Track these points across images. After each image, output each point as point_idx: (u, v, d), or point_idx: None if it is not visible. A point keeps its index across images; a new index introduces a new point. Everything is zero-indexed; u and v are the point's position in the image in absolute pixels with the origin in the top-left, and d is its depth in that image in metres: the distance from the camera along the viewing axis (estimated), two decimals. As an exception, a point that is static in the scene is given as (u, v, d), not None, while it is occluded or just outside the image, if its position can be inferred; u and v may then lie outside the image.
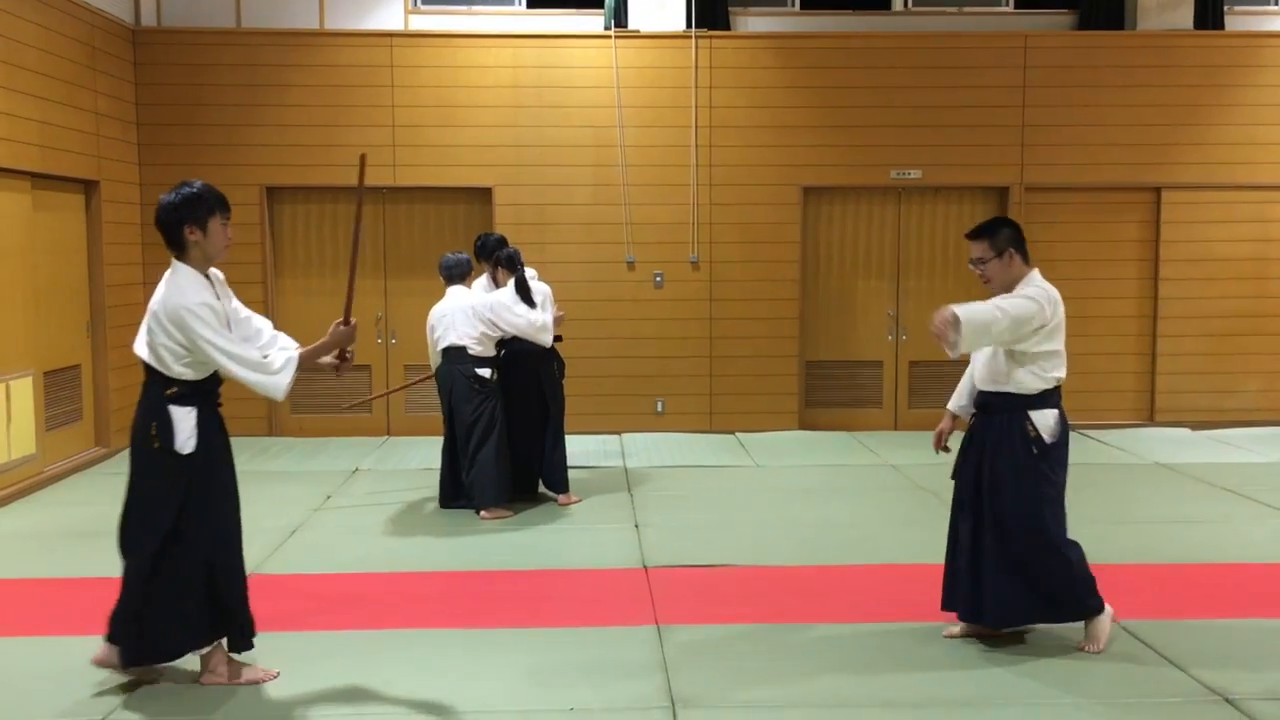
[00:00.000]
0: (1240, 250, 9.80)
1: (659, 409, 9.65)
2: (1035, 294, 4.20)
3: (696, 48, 9.47)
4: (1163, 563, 5.69)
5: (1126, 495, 7.27)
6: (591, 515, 6.72)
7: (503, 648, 4.47)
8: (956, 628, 4.54)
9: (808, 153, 9.58)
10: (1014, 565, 4.29)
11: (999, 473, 4.29)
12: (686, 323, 9.62)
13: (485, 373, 6.67)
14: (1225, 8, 9.94)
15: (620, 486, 7.52)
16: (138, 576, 3.93)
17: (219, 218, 3.95)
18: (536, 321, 6.68)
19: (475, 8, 9.73)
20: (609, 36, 9.44)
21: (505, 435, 6.71)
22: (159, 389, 3.90)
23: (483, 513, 6.61)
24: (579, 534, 6.32)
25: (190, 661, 4.13)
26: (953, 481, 4.52)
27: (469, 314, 6.65)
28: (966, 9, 10.01)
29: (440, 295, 6.92)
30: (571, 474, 7.15)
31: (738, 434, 9.55)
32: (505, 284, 6.79)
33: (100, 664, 4.04)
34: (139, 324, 3.99)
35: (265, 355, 3.96)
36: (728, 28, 9.67)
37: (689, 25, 9.49)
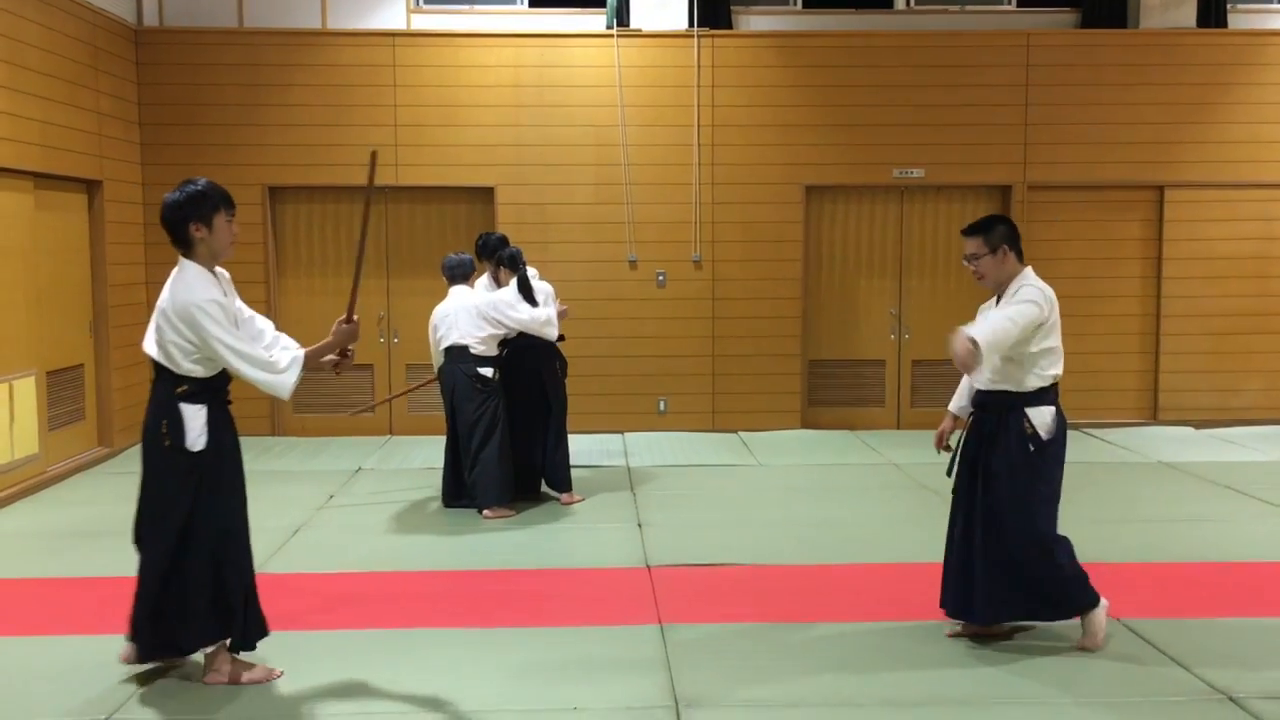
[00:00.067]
0: (1243, 249, 9.79)
1: (661, 408, 9.65)
2: (1034, 296, 4.22)
3: (698, 47, 9.47)
4: (1166, 561, 5.69)
5: (1129, 494, 7.27)
6: (594, 514, 6.72)
7: (505, 647, 4.47)
8: (958, 626, 4.54)
9: (810, 151, 9.58)
10: (1005, 563, 4.30)
11: (994, 470, 4.29)
12: (689, 322, 9.62)
13: (488, 372, 6.67)
14: (1228, 5, 9.92)
15: (623, 486, 7.52)
16: (153, 573, 3.95)
17: (224, 214, 3.96)
18: (540, 317, 6.69)
19: (477, 7, 9.73)
20: (611, 35, 9.44)
21: (508, 434, 6.71)
22: (169, 387, 3.91)
23: (485, 512, 6.61)
24: (581, 533, 6.32)
25: (193, 660, 4.14)
26: (948, 478, 4.53)
27: (472, 314, 6.66)
28: (969, 8, 10.00)
29: (442, 295, 6.93)
30: (574, 473, 7.15)
31: (740, 433, 9.55)
32: (507, 284, 6.79)
33: (127, 661, 4.08)
34: (142, 323, 4.01)
35: (270, 355, 3.97)
36: (730, 27, 9.67)
37: (691, 24, 9.49)
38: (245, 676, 4.08)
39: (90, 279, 8.45)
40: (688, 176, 9.54)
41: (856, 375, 9.96)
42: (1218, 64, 9.66)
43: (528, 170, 9.46)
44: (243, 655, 4.14)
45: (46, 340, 7.74)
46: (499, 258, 6.86)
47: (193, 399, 3.90)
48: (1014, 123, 9.63)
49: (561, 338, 6.95)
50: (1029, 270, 4.36)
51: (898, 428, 9.89)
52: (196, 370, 3.90)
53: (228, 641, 4.06)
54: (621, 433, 9.53)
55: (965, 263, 4.43)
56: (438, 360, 6.86)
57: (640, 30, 9.50)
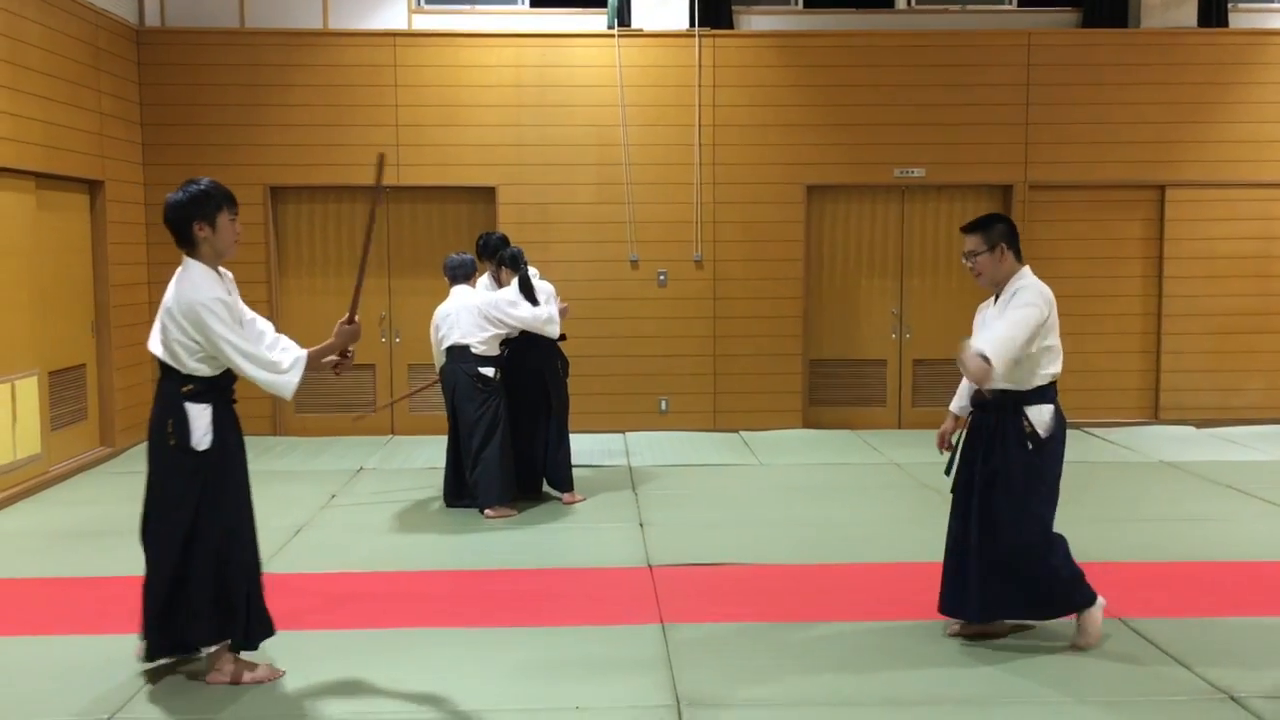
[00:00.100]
0: (1245, 248, 9.79)
1: (663, 408, 9.65)
2: (1033, 299, 4.23)
3: (700, 46, 9.47)
4: (1167, 561, 5.69)
5: (1131, 493, 7.27)
6: (596, 514, 6.73)
7: (507, 646, 4.48)
8: (956, 625, 4.54)
9: (811, 151, 9.58)
10: (1000, 563, 4.30)
11: (992, 468, 4.30)
12: (690, 321, 9.62)
13: (489, 372, 6.68)
14: (1229, 5, 9.92)
15: (624, 485, 7.52)
16: (160, 573, 3.96)
17: (227, 213, 3.98)
18: (541, 315, 6.70)
19: (478, 7, 9.73)
20: (612, 35, 9.45)
21: (509, 434, 6.72)
22: (174, 386, 3.92)
23: (487, 512, 6.62)
24: (583, 533, 6.32)
25: (202, 657, 4.15)
26: (947, 477, 4.54)
27: (474, 313, 6.66)
28: (970, 7, 10.00)
29: (444, 295, 6.94)
30: (575, 473, 7.16)
31: (741, 432, 9.55)
32: (508, 283, 6.80)
33: (140, 658, 4.11)
34: (144, 323, 4.02)
35: (273, 355, 3.98)
36: (731, 26, 9.67)
37: (692, 24, 9.49)
38: (247, 676, 4.09)
39: (92, 279, 8.46)
40: (689, 176, 9.55)
41: (858, 375, 9.96)
42: (1219, 63, 9.66)
43: (529, 170, 9.46)
44: (245, 655, 4.14)
45: (48, 340, 7.75)
46: (500, 258, 6.86)
47: (198, 398, 3.92)
48: (1015, 122, 9.63)
49: (563, 337, 6.96)
50: (1026, 269, 4.37)
51: (899, 427, 9.89)
52: (202, 369, 3.91)
53: (229, 641, 4.07)
54: (623, 432, 9.54)
55: (963, 260, 4.45)
56: (439, 360, 6.87)
57: (641, 30, 9.50)
